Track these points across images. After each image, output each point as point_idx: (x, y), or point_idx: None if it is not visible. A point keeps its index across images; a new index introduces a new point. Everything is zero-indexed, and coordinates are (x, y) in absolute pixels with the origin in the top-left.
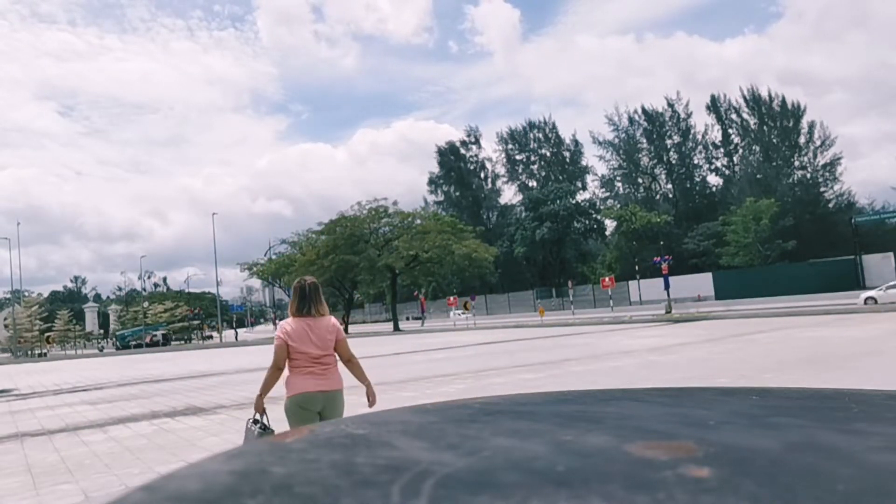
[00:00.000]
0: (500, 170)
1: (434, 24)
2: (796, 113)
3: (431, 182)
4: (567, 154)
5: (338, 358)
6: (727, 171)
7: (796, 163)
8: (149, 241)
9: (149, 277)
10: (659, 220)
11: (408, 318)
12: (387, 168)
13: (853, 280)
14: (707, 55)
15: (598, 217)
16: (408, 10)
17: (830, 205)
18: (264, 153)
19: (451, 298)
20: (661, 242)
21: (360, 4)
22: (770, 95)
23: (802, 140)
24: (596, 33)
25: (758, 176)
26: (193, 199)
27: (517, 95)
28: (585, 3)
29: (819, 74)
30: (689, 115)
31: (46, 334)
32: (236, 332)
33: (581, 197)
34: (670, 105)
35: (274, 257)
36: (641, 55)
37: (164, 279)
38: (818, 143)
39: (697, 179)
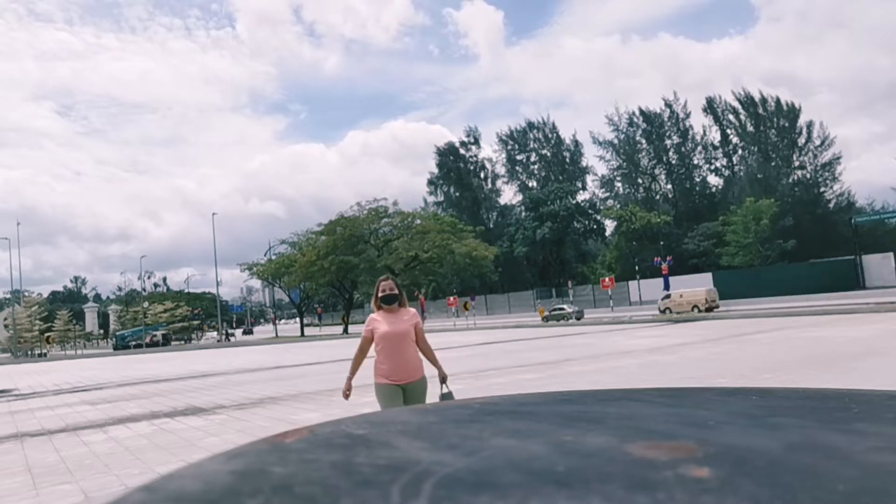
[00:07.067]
0: (500, 170)
1: (424, 27)
2: (792, 113)
3: (431, 183)
4: (567, 154)
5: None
6: (727, 172)
7: (796, 163)
8: (145, 241)
9: (149, 277)
10: (659, 220)
11: None
12: (379, 169)
13: (853, 280)
14: (692, 57)
15: (598, 217)
16: (390, 12)
17: (830, 205)
18: (264, 153)
19: (451, 298)
20: (661, 242)
21: (353, 7)
22: (763, 97)
23: (801, 140)
24: (582, 36)
25: (758, 176)
26: (192, 199)
27: (509, 97)
28: (571, 7)
29: (805, 76)
30: (687, 116)
31: (46, 334)
32: (227, 333)
33: (581, 197)
34: (668, 106)
35: (274, 258)
36: (628, 57)
37: (164, 279)
38: (817, 142)
39: (697, 180)
